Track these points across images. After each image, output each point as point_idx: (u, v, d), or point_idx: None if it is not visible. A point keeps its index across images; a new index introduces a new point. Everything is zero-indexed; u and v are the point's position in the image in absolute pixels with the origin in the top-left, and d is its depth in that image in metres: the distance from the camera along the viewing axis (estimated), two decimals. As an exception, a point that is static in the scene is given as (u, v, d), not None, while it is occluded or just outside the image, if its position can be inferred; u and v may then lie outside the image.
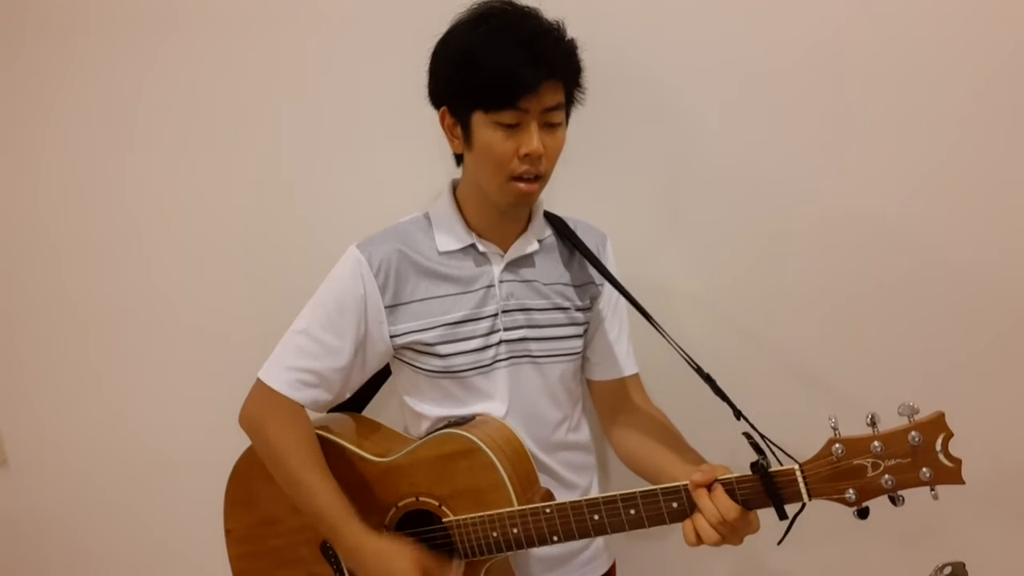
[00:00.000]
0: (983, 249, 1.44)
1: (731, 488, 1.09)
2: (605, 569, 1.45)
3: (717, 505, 1.08)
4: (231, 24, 1.64)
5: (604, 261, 1.39)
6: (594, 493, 1.43)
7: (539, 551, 1.32)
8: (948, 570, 1.09)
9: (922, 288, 1.48)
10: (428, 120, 1.29)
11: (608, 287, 1.38)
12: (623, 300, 1.36)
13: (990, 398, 1.47)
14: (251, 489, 1.41)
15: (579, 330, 1.37)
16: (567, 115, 1.27)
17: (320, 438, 1.32)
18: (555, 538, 1.19)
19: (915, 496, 1.03)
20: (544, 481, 1.33)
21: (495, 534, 1.22)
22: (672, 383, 1.38)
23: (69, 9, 1.70)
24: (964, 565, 1.09)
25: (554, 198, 1.42)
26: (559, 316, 1.35)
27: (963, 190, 1.44)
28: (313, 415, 1.33)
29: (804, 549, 1.49)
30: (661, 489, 1.12)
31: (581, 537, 1.18)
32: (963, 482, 1.01)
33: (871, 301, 1.50)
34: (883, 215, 1.47)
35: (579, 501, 1.17)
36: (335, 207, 1.66)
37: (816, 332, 1.53)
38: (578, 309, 1.37)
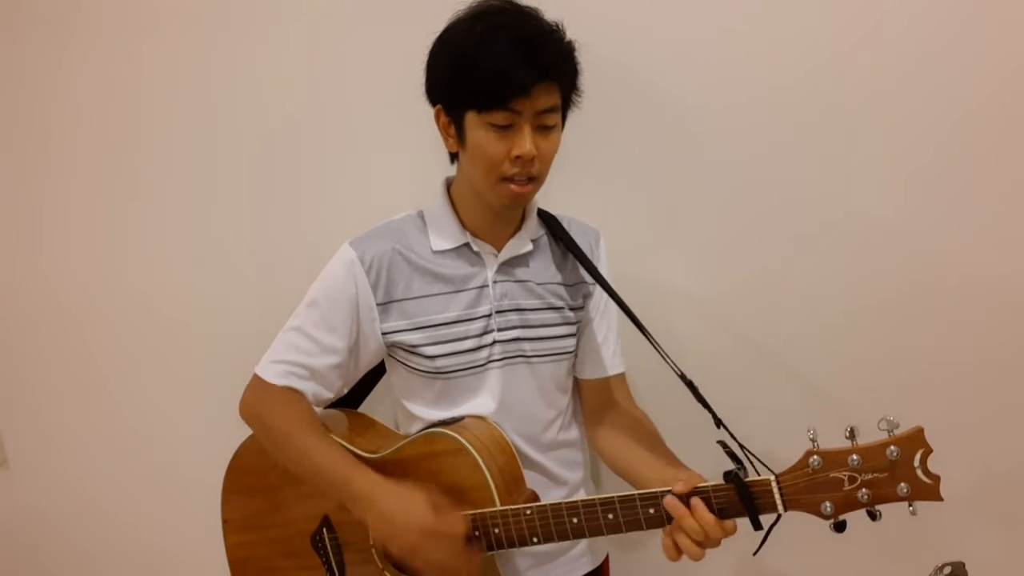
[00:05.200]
0: (978, 255, 1.44)
1: (707, 497, 1.08)
2: (595, 565, 1.46)
3: (701, 523, 1.07)
4: (225, 23, 1.65)
5: (597, 259, 1.39)
6: (584, 490, 1.44)
7: (526, 547, 1.33)
8: (948, 570, 1.09)
9: (918, 294, 1.47)
10: (425, 118, 1.29)
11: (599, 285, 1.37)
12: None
13: (989, 401, 1.47)
14: (248, 480, 1.43)
15: (572, 329, 1.37)
16: (563, 118, 1.26)
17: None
18: (535, 539, 1.20)
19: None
20: (536, 479, 1.34)
21: (476, 533, 1.22)
22: (663, 387, 1.36)
23: (66, 8, 1.72)
24: (964, 565, 1.09)
25: (551, 198, 1.41)
26: (553, 316, 1.35)
27: (960, 198, 1.43)
28: (311, 407, 1.35)
29: (803, 550, 1.50)
30: (639, 495, 1.13)
31: (560, 539, 1.19)
32: (941, 499, 1.00)
33: (867, 308, 1.50)
34: (877, 221, 1.47)
35: (559, 504, 1.18)
36: (332, 205, 1.67)
37: (808, 338, 1.53)
38: (571, 308, 1.37)
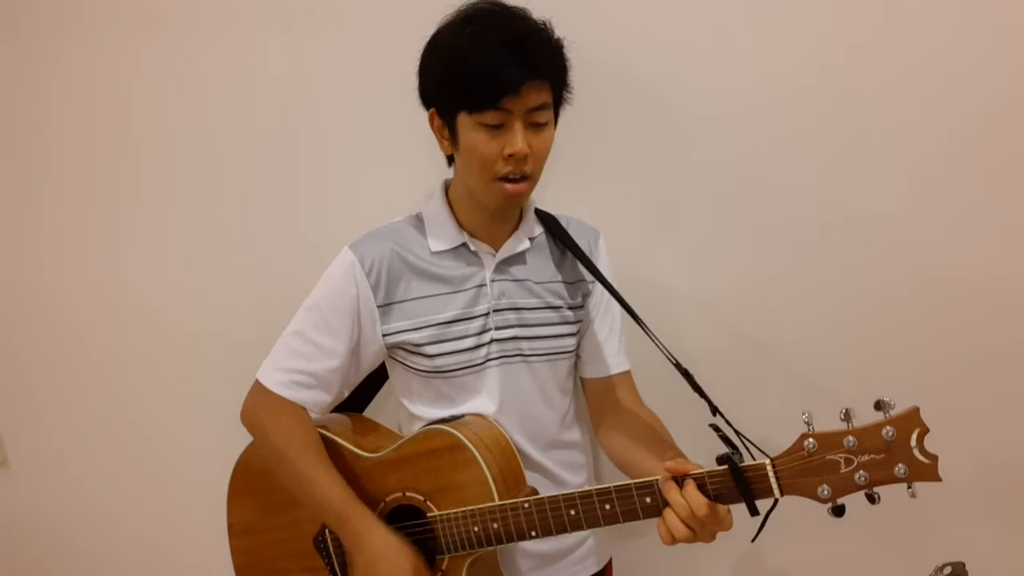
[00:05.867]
0: (977, 256, 1.44)
1: (702, 482, 1.07)
2: (598, 568, 1.44)
3: (687, 499, 1.06)
4: (225, 24, 1.67)
5: (596, 258, 1.39)
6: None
7: (529, 548, 1.33)
8: (948, 570, 1.09)
9: (917, 289, 1.46)
10: (424, 121, 1.30)
11: (599, 284, 1.37)
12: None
13: (988, 398, 1.46)
14: (251, 484, 1.44)
15: (572, 328, 1.37)
16: (555, 115, 1.27)
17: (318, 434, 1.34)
18: (533, 533, 1.19)
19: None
20: (537, 479, 1.34)
21: (476, 529, 1.22)
22: (663, 381, 1.36)
23: (66, 8, 1.74)
24: (964, 565, 1.08)
25: (548, 196, 1.42)
26: (551, 315, 1.35)
27: (959, 198, 1.43)
28: (313, 414, 1.35)
29: (804, 547, 1.50)
30: (635, 484, 1.12)
31: (558, 532, 1.18)
32: (940, 479, 0.98)
33: (867, 307, 1.49)
34: (874, 216, 1.46)
35: (556, 496, 1.17)
36: (332, 208, 1.68)
37: (807, 336, 1.52)
38: (570, 307, 1.37)
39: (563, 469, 1.38)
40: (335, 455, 1.33)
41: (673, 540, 1.08)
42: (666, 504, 1.09)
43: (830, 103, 1.45)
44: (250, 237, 1.74)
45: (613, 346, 1.41)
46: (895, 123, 1.43)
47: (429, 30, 1.25)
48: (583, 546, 1.41)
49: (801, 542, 1.44)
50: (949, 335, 1.46)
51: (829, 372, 1.51)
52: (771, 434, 1.16)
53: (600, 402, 1.42)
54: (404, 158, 1.61)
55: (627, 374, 1.42)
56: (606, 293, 1.37)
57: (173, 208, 1.77)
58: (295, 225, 1.71)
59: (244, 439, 1.41)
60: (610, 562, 1.50)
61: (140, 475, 1.88)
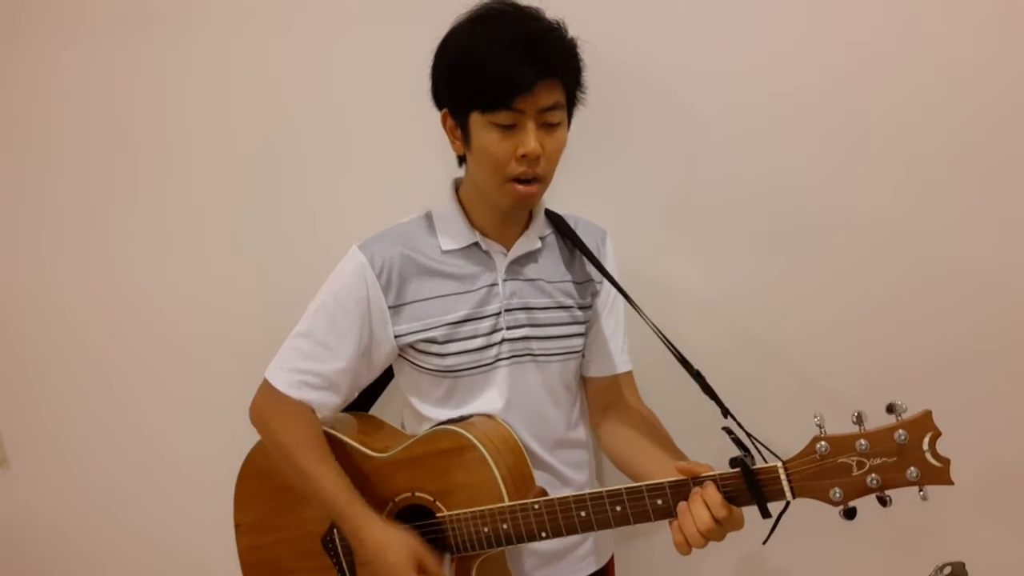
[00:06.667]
0: (980, 254, 1.44)
1: (714, 484, 1.07)
2: (601, 564, 1.45)
3: (708, 503, 1.06)
4: (225, 24, 1.66)
5: (603, 258, 1.39)
6: (590, 489, 1.43)
7: (533, 546, 1.33)
8: (948, 570, 1.09)
9: (921, 288, 1.47)
10: (433, 120, 1.30)
11: (607, 284, 1.38)
12: (620, 298, 1.36)
13: (990, 398, 1.47)
14: (259, 484, 1.43)
15: (581, 328, 1.37)
16: (569, 115, 1.26)
17: (324, 434, 1.34)
18: (543, 534, 1.19)
19: (914, 495, 1.01)
20: (544, 478, 1.34)
21: (486, 529, 1.22)
22: (669, 381, 1.37)
23: (66, 7, 1.73)
24: (964, 565, 1.08)
25: (556, 197, 1.42)
26: (562, 314, 1.35)
27: (957, 193, 1.43)
28: (321, 414, 1.35)
29: (804, 548, 1.51)
30: (646, 486, 1.12)
31: (569, 534, 1.18)
32: (952, 482, 0.99)
33: (872, 302, 1.50)
34: (881, 216, 1.47)
35: (567, 497, 1.17)
36: (339, 207, 1.67)
37: (813, 335, 1.53)
38: (580, 307, 1.37)
39: (568, 468, 1.39)
40: (344, 455, 1.33)
41: (689, 550, 1.09)
42: (681, 498, 1.09)
43: (831, 103, 1.45)
44: (250, 236, 1.73)
45: (619, 345, 1.42)
46: (895, 123, 1.43)
47: (429, 30, 1.24)
48: (585, 543, 1.42)
49: (802, 542, 1.44)
50: (951, 334, 1.47)
51: (833, 371, 1.52)
52: (776, 431, 1.17)
53: (602, 401, 1.43)
54: (405, 157, 1.61)
55: (630, 374, 1.43)
56: (613, 292, 1.38)
57: (173, 208, 1.76)
58: (294, 225, 1.71)
59: (244, 440, 1.41)
60: (612, 559, 1.51)
61: (140, 475, 1.87)
